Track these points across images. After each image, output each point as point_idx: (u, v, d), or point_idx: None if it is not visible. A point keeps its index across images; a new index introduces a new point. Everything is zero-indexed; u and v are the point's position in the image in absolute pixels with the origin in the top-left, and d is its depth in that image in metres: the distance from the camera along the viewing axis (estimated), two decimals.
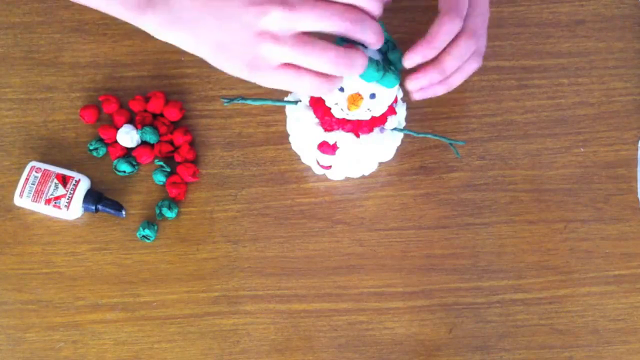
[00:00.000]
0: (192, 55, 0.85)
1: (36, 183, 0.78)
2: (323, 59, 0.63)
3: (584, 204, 0.81)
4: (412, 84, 0.68)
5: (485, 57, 0.84)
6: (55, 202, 0.78)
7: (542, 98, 0.84)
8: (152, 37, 0.85)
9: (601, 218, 0.81)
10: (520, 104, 0.84)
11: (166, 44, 0.85)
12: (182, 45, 0.66)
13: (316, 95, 0.70)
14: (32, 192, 0.78)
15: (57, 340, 0.78)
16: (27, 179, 0.79)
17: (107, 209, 0.79)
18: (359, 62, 0.64)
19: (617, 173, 0.82)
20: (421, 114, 0.82)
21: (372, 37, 0.64)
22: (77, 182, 0.79)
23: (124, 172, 0.81)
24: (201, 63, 0.85)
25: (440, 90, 0.70)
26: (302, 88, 0.65)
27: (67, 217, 0.79)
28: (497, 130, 0.83)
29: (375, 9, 0.64)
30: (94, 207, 0.79)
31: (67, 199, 0.78)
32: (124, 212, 0.79)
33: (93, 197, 0.79)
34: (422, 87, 0.69)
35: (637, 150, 0.82)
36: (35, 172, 0.79)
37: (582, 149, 0.82)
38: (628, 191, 0.81)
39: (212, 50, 0.65)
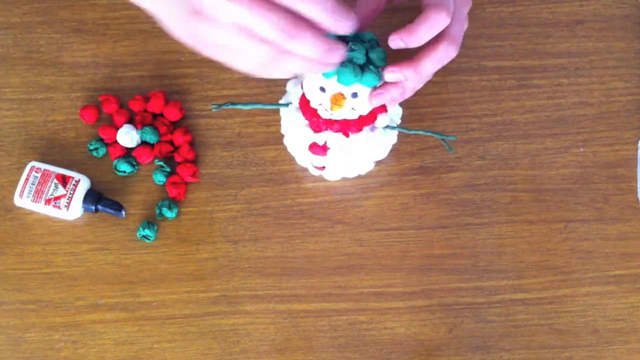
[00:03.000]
0: (192, 56, 0.85)
1: (36, 183, 0.78)
2: (250, 55, 0.61)
3: (584, 204, 0.81)
4: (388, 75, 0.68)
5: (485, 57, 0.85)
6: (55, 202, 0.78)
7: (542, 98, 0.84)
8: (152, 37, 0.85)
9: (601, 218, 0.81)
10: (520, 104, 0.83)
11: (166, 44, 0.85)
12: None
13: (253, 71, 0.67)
14: (32, 192, 0.78)
15: (57, 340, 0.78)
16: (27, 179, 0.79)
17: (107, 209, 0.79)
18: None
19: (617, 173, 0.82)
20: (420, 114, 0.82)
21: (309, 53, 0.62)
22: (77, 182, 0.79)
23: (124, 172, 0.81)
24: (201, 63, 0.85)
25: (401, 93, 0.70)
26: (238, 64, 0.64)
27: (67, 217, 0.79)
28: (497, 130, 0.83)
29: (328, 23, 0.61)
30: (94, 207, 0.79)
31: (67, 199, 0.78)
32: (124, 212, 0.79)
33: (93, 197, 0.79)
34: (398, 80, 0.69)
35: (637, 150, 0.82)
36: (35, 172, 0.79)
37: (582, 149, 0.82)
38: (628, 191, 0.81)
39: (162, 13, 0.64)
